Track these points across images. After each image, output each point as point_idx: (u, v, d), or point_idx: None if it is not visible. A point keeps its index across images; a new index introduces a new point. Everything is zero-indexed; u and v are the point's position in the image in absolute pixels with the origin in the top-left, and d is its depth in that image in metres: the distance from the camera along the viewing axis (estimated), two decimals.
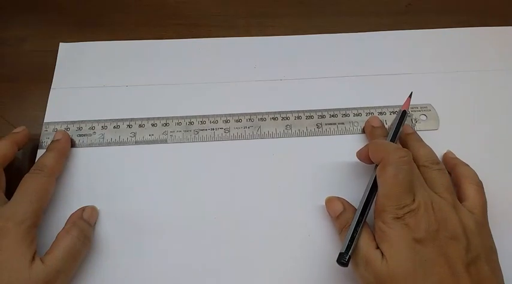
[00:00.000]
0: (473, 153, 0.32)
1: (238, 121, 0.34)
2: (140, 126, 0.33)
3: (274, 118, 0.34)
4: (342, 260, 0.25)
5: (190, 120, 0.34)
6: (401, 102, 0.33)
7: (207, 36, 0.38)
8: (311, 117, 0.34)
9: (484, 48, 0.38)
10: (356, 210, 0.27)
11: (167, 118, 0.34)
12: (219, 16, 0.40)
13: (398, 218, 0.24)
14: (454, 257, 0.23)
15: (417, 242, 0.23)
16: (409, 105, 0.33)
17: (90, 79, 0.36)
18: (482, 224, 0.26)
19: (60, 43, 0.37)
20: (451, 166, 0.30)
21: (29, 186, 0.27)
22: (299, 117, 0.34)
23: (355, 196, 0.30)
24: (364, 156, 0.29)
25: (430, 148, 0.30)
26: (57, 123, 0.33)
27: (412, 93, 0.33)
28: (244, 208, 0.30)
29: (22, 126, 0.31)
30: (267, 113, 0.34)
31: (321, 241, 0.29)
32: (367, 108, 0.34)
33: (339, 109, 0.34)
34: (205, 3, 0.40)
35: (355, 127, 0.33)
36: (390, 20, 0.39)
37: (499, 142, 0.33)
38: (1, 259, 0.24)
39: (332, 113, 0.34)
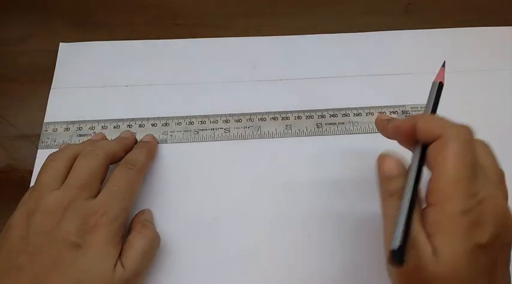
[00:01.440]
0: None
1: (238, 121, 0.34)
2: (140, 126, 0.33)
3: (274, 118, 0.34)
4: (399, 257, 0.18)
5: (190, 120, 0.34)
6: (401, 102, 0.33)
7: (207, 36, 0.38)
8: (311, 117, 0.34)
9: (484, 48, 0.38)
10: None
11: (167, 118, 0.34)
12: (219, 16, 0.40)
13: (465, 211, 0.19)
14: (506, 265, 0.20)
15: (479, 248, 0.19)
16: (443, 76, 0.27)
17: (90, 79, 0.36)
18: None
19: (60, 43, 0.37)
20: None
21: (122, 181, 0.26)
22: (299, 117, 0.34)
23: (355, 196, 0.30)
24: (404, 131, 0.23)
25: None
26: (57, 123, 0.33)
27: (445, 62, 0.28)
28: (243, 208, 0.30)
29: (128, 132, 0.32)
30: (267, 113, 0.34)
31: (321, 241, 0.29)
32: (367, 108, 0.34)
33: (339, 109, 0.34)
34: (205, 3, 0.40)
35: (355, 127, 0.33)
36: (390, 20, 0.39)
37: (499, 142, 0.33)
38: (89, 255, 0.23)
39: (332, 113, 0.34)
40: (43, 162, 0.26)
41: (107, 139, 0.32)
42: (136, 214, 0.29)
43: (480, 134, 0.33)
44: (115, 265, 0.23)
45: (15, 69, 0.37)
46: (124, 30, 0.39)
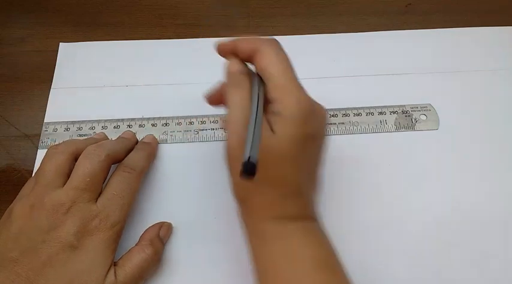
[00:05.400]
0: (473, 153, 0.32)
1: None
2: (140, 126, 0.33)
3: None
4: (250, 168, 0.18)
5: (190, 120, 0.33)
6: (401, 102, 0.33)
7: (207, 36, 0.38)
8: None
9: (484, 48, 0.38)
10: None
11: (167, 118, 0.34)
12: (219, 16, 0.40)
13: (299, 101, 0.24)
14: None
15: (308, 136, 0.23)
16: None
17: (90, 79, 0.36)
18: None
19: (60, 43, 0.37)
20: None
21: (122, 186, 0.26)
22: None
23: (355, 196, 0.30)
24: (229, 49, 0.27)
25: None
26: (57, 123, 0.33)
27: None
28: None
29: (129, 132, 0.32)
30: None
31: None
32: (367, 108, 0.34)
33: (339, 109, 0.34)
34: (205, 3, 0.40)
35: (355, 127, 0.33)
36: (390, 20, 0.39)
37: (499, 142, 0.33)
38: (85, 258, 0.23)
39: (332, 113, 0.34)
40: (45, 153, 0.26)
41: (108, 139, 0.32)
42: (153, 225, 0.28)
43: (480, 134, 0.34)
44: (107, 272, 0.24)
45: (15, 69, 0.37)
46: (124, 30, 0.39)
